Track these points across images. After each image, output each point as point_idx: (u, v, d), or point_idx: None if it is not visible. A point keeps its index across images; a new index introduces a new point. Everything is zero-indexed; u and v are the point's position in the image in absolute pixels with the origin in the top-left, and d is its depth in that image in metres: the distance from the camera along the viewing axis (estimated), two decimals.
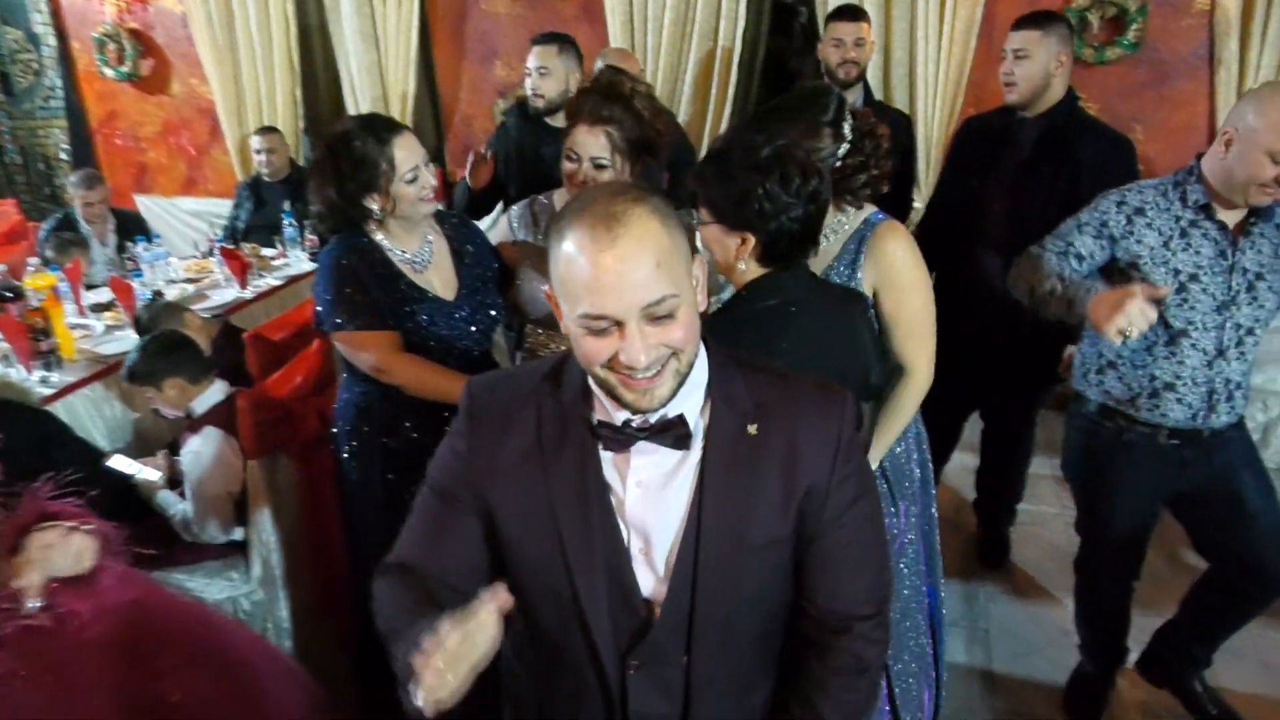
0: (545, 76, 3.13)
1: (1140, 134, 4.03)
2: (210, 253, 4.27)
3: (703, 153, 4.53)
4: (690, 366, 1.10)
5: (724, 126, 4.48)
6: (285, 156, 4.73)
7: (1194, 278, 2.01)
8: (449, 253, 2.15)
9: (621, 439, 1.11)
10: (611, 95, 2.07)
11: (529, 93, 3.19)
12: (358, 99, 5.00)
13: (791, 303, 1.58)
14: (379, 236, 2.05)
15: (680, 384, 1.09)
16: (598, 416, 1.13)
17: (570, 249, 1.03)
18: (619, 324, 1.03)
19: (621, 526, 1.15)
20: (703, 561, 1.13)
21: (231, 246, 4.23)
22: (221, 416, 2.39)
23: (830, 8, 3.59)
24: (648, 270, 1.01)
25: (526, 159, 3.22)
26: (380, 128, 1.99)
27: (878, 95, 4.20)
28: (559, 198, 2.28)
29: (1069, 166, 2.67)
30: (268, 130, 4.74)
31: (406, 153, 1.97)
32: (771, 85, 5.27)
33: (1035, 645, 2.84)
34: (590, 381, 1.12)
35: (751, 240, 1.57)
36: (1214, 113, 3.96)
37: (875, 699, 1.27)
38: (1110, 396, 2.17)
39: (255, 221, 4.69)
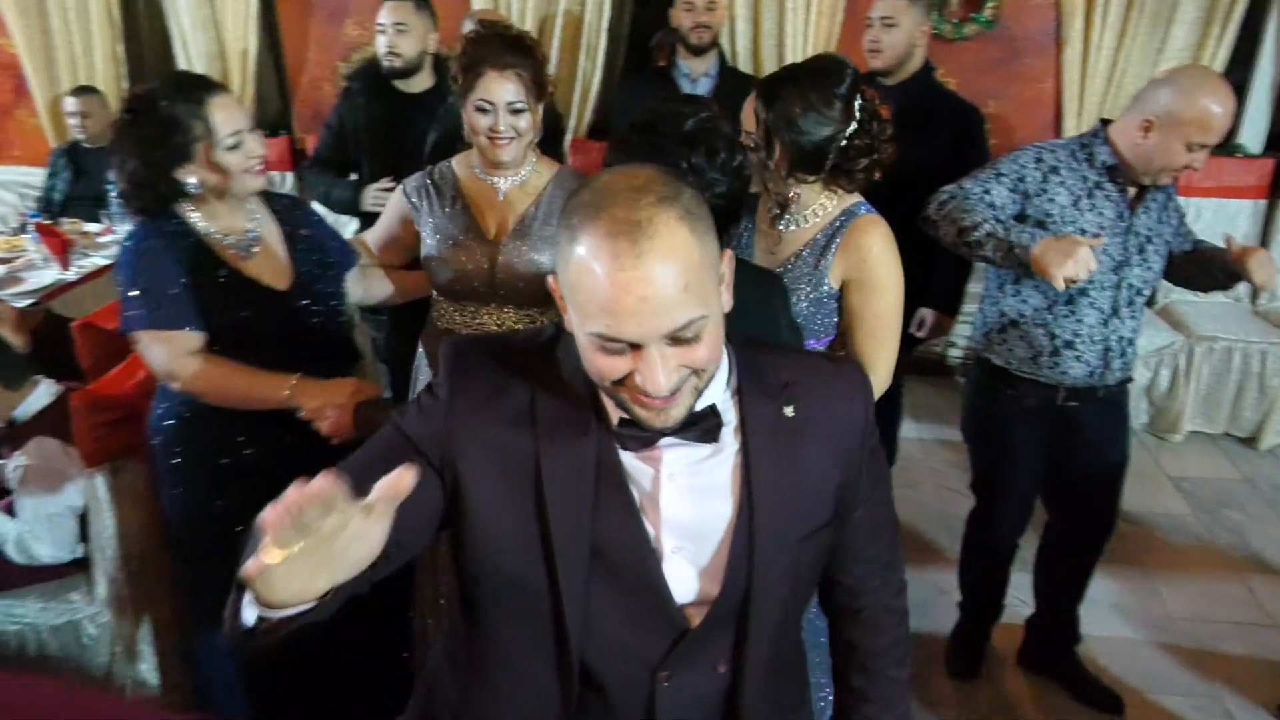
0: (403, 34, 2.90)
1: (993, 108, 4.19)
2: (23, 229, 3.80)
3: (572, 120, 4.42)
4: (711, 379, 0.99)
5: (593, 94, 4.36)
6: (106, 120, 4.25)
7: (1096, 238, 2.06)
8: (280, 237, 1.92)
9: (644, 437, 0.99)
10: (510, 40, 1.96)
11: (383, 51, 2.94)
12: (190, 57, 4.56)
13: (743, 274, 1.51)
14: (194, 217, 1.81)
15: (698, 398, 0.98)
16: (616, 414, 1.01)
17: (584, 257, 0.88)
18: (636, 345, 0.90)
19: (648, 525, 1.04)
20: (759, 559, 1.04)
21: (49, 222, 3.77)
22: (52, 422, 2.11)
23: None
24: (675, 293, 0.88)
25: (378, 130, 2.99)
26: (192, 85, 1.75)
27: (747, 65, 4.20)
28: (458, 164, 2.14)
29: (925, 133, 2.72)
30: (85, 90, 4.27)
31: (226, 114, 1.74)
32: (637, 53, 5.19)
33: (914, 604, 2.93)
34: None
35: None
36: (1060, 89, 4.17)
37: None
38: (1013, 356, 2.23)
39: (75, 193, 4.22)
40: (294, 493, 0.79)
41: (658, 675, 1.07)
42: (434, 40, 2.96)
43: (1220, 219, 4.11)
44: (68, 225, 3.72)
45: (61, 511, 2.13)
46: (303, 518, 0.79)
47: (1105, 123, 2.13)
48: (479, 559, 1.08)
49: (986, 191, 2.10)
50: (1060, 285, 1.81)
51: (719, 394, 1.04)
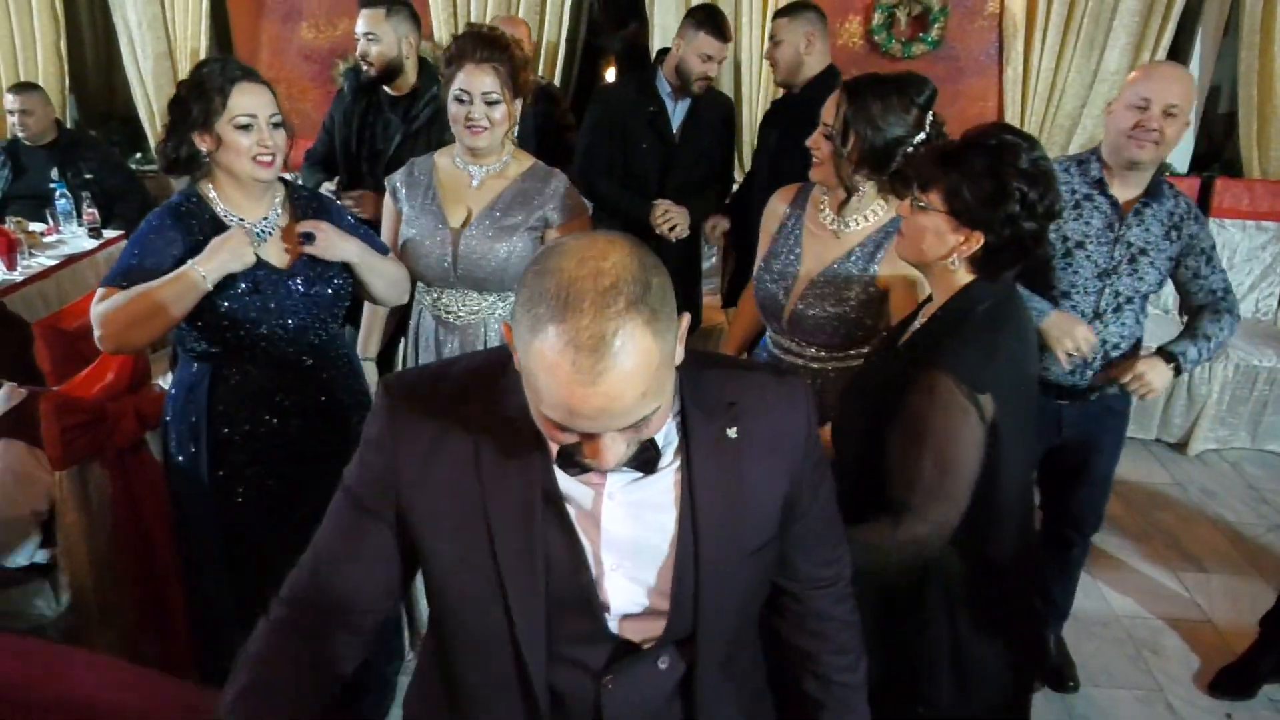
0: (373, 43, 2.92)
1: None
2: None
3: None
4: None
5: None
6: (48, 118, 4.14)
7: (1080, 245, 2.21)
8: (292, 222, 1.96)
9: (581, 467, 0.99)
10: (489, 37, 2.08)
11: (359, 58, 2.99)
12: (138, 55, 4.46)
13: (1002, 305, 1.55)
14: (213, 196, 1.88)
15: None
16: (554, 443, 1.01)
17: (546, 357, 0.87)
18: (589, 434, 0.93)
19: (585, 543, 1.06)
20: (705, 574, 1.07)
21: None
22: (16, 424, 2.05)
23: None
24: (633, 399, 0.88)
25: (359, 130, 3.03)
26: (234, 68, 1.83)
27: None
28: (439, 156, 2.24)
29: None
30: (25, 87, 4.13)
31: (247, 99, 1.80)
32: (590, 63, 5.23)
33: None
34: None
35: (978, 242, 1.50)
36: (1001, 108, 4.34)
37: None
38: None
39: (16, 191, 4.09)
40: None
41: (601, 680, 1.11)
42: (410, 46, 2.96)
43: None
44: (12, 225, 3.60)
45: (29, 517, 2.08)
46: None
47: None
48: (439, 599, 1.12)
49: None
50: (1064, 360, 2.11)
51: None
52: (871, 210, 1.93)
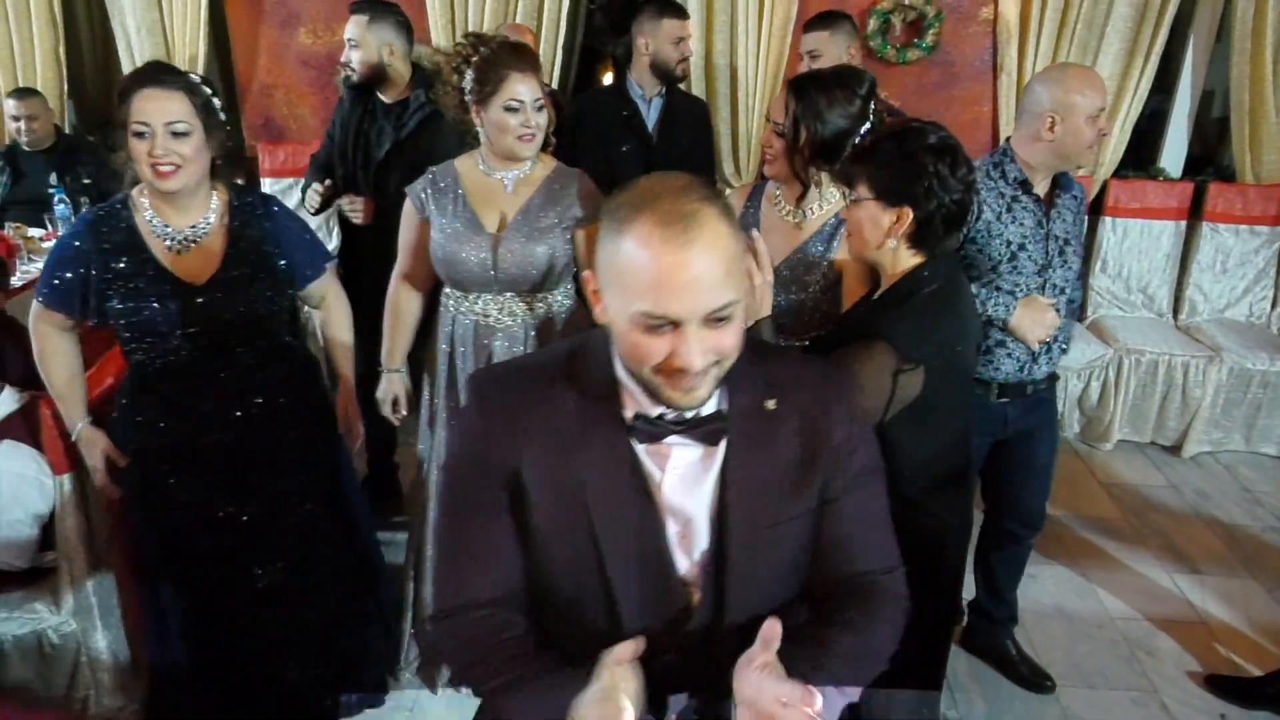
0: (355, 48, 2.93)
1: None
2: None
3: None
4: (728, 371, 1.08)
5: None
6: (50, 123, 4.16)
7: (1022, 246, 2.26)
8: (225, 235, 1.94)
9: (656, 431, 1.10)
10: (519, 46, 2.14)
11: (343, 64, 3.00)
12: (136, 61, 4.46)
13: (944, 290, 1.70)
14: (143, 204, 1.89)
15: (717, 386, 1.08)
16: (630, 410, 1.12)
17: (634, 245, 0.98)
18: (675, 324, 0.99)
19: (661, 512, 1.14)
20: (729, 542, 1.13)
21: None
22: (17, 427, 2.06)
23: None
24: (719, 276, 0.98)
25: (352, 137, 3.04)
26: (148, 73, 1.81)
27: (699, 86, 4.31)
28: (459, 164, 2.24)
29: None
30: (26, 93, 4.14)
31: (149, 104, 1.75)
32: (588, 67, 5.26)
33: None
34: (620, 374, 1.11)
35: (908, 216, 1.65)
36: (997, 113, 4.37)
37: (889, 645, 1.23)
38: None
39: (15, 197, 4.11)
40: None
41: (658, 640, 1.15)
42: (393, 52, 2.96)
43: (1144, 239, 4.35)
44: (10, 230, 3.61)
45: (22, 518, 2.08)
46: None
47: (1008, 140, 2.34)
48: (536, 569, 1.17)
49: None
50: (1037, 347, 2.26)
51: (719, 399, 1.12)
52: (829, 194, 2.03)
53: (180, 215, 1.89)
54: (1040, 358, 2.33)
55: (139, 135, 1.75)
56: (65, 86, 4.64)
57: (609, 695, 0.98)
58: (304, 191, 3.13)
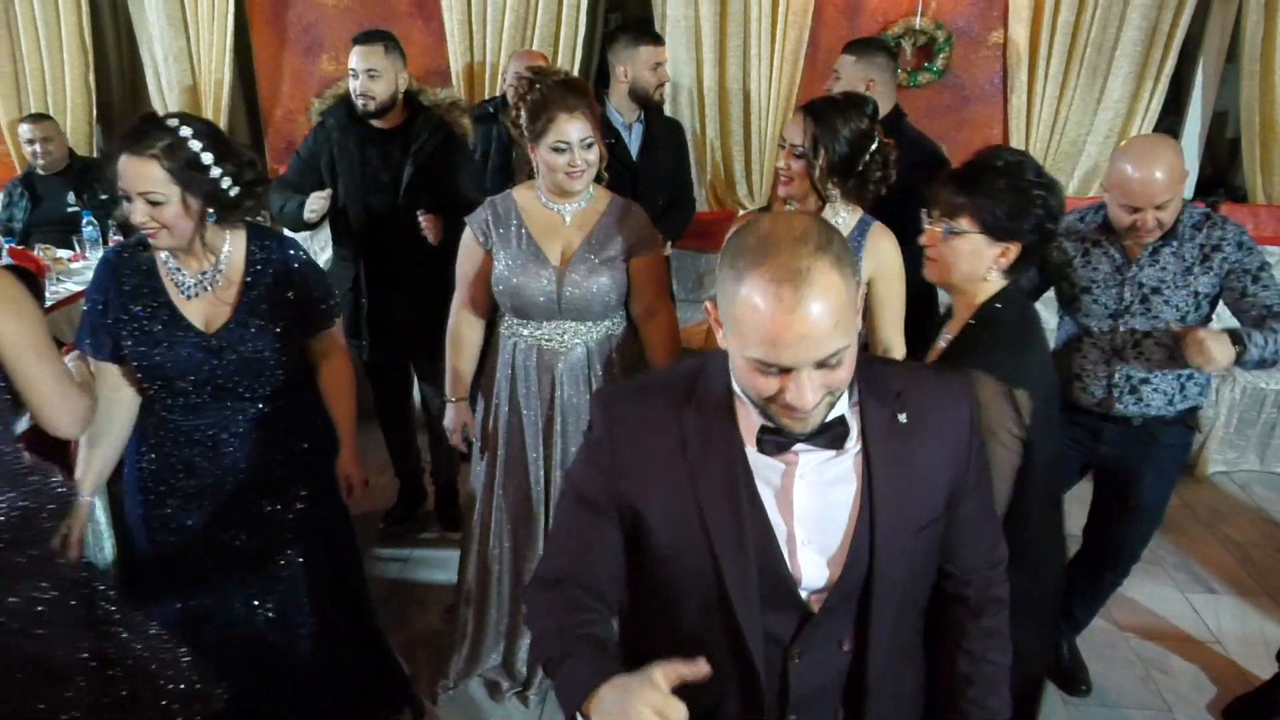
0: (375, 79, 2.97)
1: (945, 152, 4.41)
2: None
3: None
4: (842, 394, 1.13)
5: None
6: (63, 145, 4.25)
7: (1086, 290, 2.32)
8: (240, 281, 1.94)
9: (783, 441, 1.14)
10: (570, 83, 2.18)
11: (357, 95, 3.01)
12: (164, 87, 4.59)
13: (1026, 312, 1.75)
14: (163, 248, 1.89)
15: (831, 409, 1.13)
16: (748, 426, 1.17)
17: (749, 296, 1.02)
18: (787, 370, 1.04)
19: (779, 520, 1.18)
20: (879, 548, 1.18)
21: (20, 247, 3.75)
22: (37, 443, 2.10)
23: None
24: (827, 329, 1.02)
25: (351, 164, 3.06)
26: (122, 136, 1.81)
27: (713, 109, 4.38)
28: (518, 194, 2.30)
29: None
30: (39, 117, 4.25)
31: (125, 170, 1.76)
32: (600, 94, 5.33)
33: None
34: (739, 393, 1.16)
35: (1014, 251, 1.70)
36: (1007, 135, 4.41)
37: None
38: None
39: (36, 220, 4.19)
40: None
41: (790, 652, 1.22)
42: (404, 79, 3.04)
43: None
44: (40, 251, 3.70)
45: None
46: None
47: None
48: (656, 583, 1.24)
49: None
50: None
51: (844, 405, 1.18)
52: (846, 213, 2.14)
53: (192, 260, 1.91)
54: (1123, 396, 2.33)
55: (125, 198, 1.79)
56: (94, 112, 4.77)
57: (631, 692, 1.00)
58: (281, 206, 3.10)
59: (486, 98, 4.15)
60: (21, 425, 2.18)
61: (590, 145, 2.17)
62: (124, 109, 4.97)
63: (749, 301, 1.02)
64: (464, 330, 2.41)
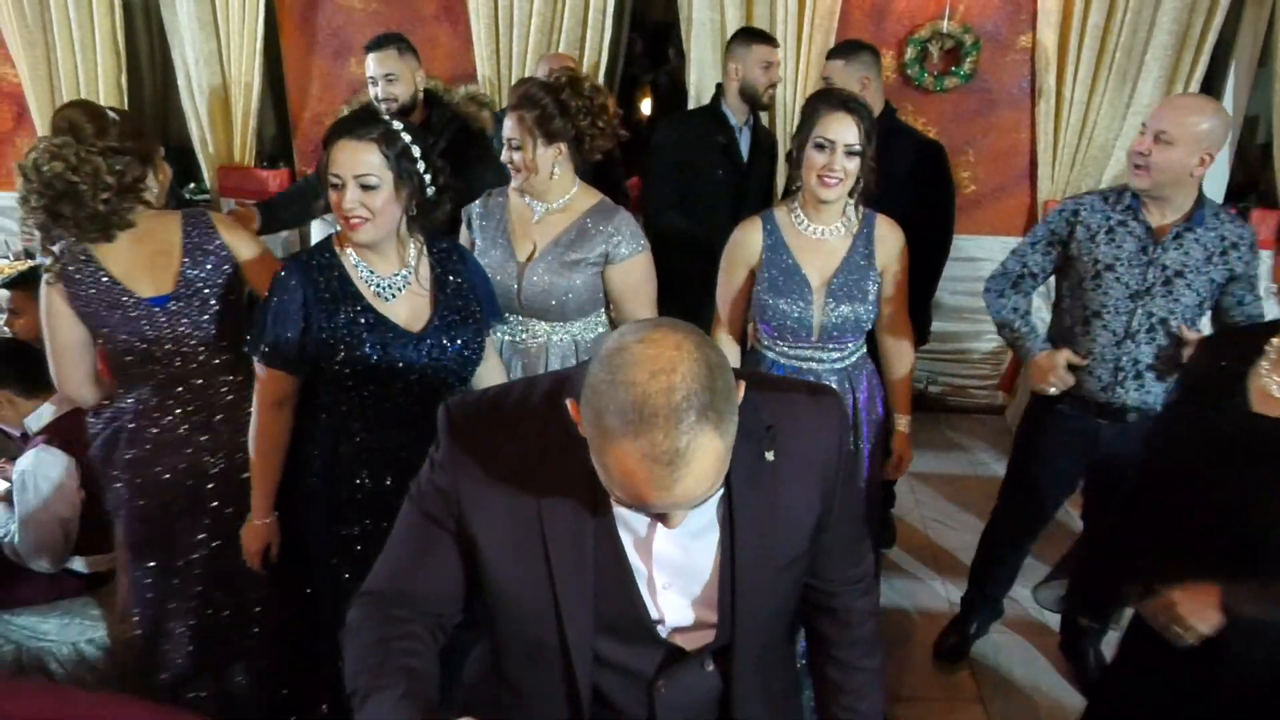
0: (394, 82, 3.03)
1: (971, 156, 4.40)
2: (28, 253, 3.84)
3: None
4: None
5: None
6: None
7: (1109, 267, 2.30)
8: (431, 281, 1.94)
9: None
10: (526, 89, 2.20)
11: (379, 101, 3.03)
12: (195, 89, 4.64)
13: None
14: (348, 252, 1.88)
15: None
16: None
17: (621, 462, 0.92)
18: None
19: (639, 564, 1.14)
20: (741, 589, 1.15)
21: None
22: (64, 434, 2.15)
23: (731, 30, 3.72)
24: (702, 494, 0.96)
25: None
26: (338, 124, 1.83)
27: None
28: (512, 189, 2.34)
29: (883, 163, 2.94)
30: None
31: (340, 154, 1.77)
32: (626, 96, 5.35)
33: (897, 628, 3.04)
34: None
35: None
36: (1035, 140, 4.36)
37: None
38: None
39: None
40: None
41: (654, 685, 1.20)
42: (421, 78, 3.09)
43: None
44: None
45: (54, 524, 2.16)
46: None
47: None
48: (495, 609, 1.19)
49: (1024, 264, 2.45)
50: (1047, 390, 2.36)
51: None
52: (851, 209, 2.27)
53: (384, 262, 1.89)
54: (1127, 381, 2.34)
55: (334, 186, 1.78)
56: None
57: None
58: (288, 201, 3.16)
59: None
60: (45, 417, 2.24)
61: (517, 148, 2.18)
62: (154, 110, 5.04)
63: (620, 466, 0.92)
64: None
